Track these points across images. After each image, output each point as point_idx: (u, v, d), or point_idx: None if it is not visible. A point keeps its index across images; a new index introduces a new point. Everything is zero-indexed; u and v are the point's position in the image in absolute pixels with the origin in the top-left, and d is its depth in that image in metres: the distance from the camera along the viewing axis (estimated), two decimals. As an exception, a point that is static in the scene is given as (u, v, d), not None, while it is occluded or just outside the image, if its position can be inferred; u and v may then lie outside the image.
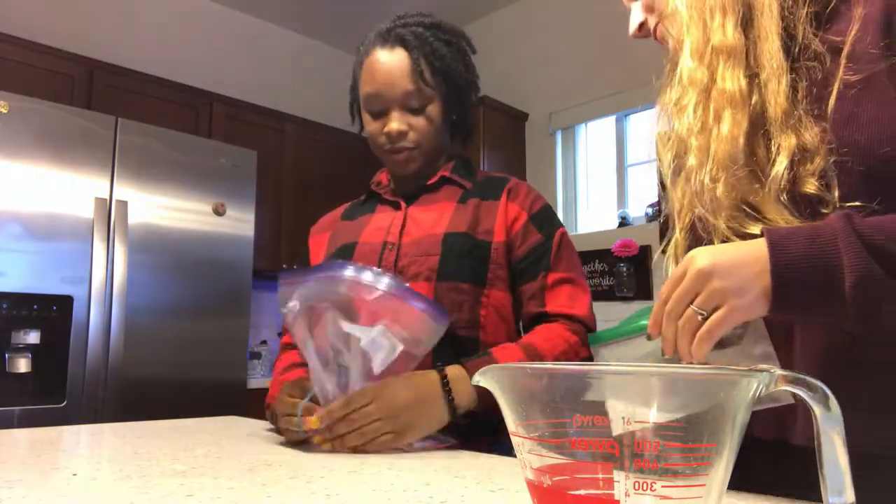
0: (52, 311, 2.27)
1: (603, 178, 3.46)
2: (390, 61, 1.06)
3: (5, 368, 2.15)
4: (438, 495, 0.58)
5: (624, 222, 3.22)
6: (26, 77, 2.69)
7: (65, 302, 2.29)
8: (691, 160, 0.68)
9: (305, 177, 3.55)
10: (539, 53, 3.62)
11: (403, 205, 1.14)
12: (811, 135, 0.63)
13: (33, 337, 2.21)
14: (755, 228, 0.64)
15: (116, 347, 2.36)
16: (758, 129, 0.67)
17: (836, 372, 0.64)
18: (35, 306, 2.24)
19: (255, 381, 2.87)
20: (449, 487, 0.61)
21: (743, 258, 0.58)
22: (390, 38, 1.08)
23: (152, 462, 0.73)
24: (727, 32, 0.68)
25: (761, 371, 0.35)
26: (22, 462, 0.72)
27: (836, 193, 0.62)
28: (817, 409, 0.35)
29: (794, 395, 0.36)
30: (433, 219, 1.09)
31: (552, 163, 3.55)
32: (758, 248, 0.58)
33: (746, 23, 0.69)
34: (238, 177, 2.80)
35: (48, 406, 2.23)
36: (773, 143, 0.65)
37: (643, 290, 3.06)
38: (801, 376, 0.36)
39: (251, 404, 2.68)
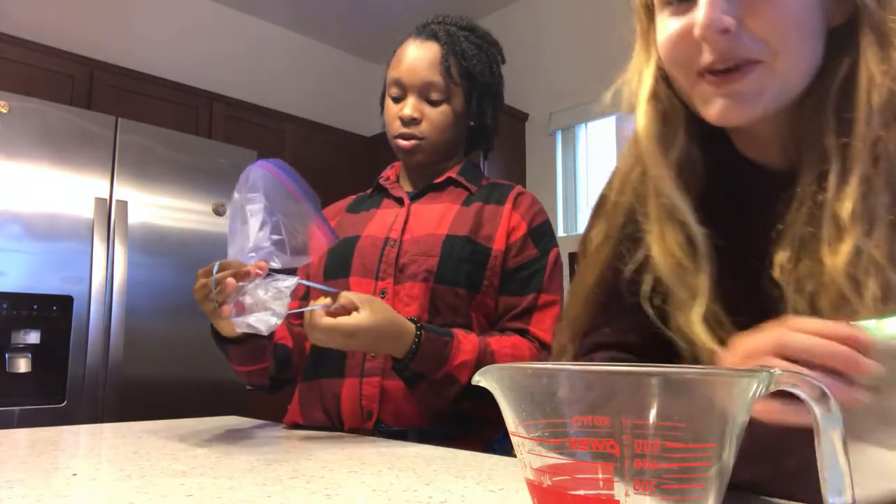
0: (52, 311, 2.27)
1: (603, 178, 3.44)
2: (419, 50, 1.11)
3: (5, 368, 2.15)
4: (438, 495, 0.58)
5: (624, 222, 3.21)
6: (26, 77, 2.69)
7: (65, 302, 2.29)
8: None
9: (305, 177, 3.54)
10: (539, 53, 3.62)
11: (407, 201, 1.14)
12: None
13: (33, 337, 2.21)
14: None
15: (116, 347, 2.36)
16: None
17: None
18: (35, 306, 2.24)
19: (255, 381, 2.86)
20: (449, 487, 0.61)
21: None
22: (425, 31, 1.13)
23: (152, 462, 0.73)
24: None
25: (761, 371, 0.35)
26: (22, 462, 0.72)
27: None
28: (817, 410, 0.35)
29: (795, 395, 0.36)
30: (436, 218, 1.09)
31: (552, 163, 3.55)
32: None
33: None
34: (238, 177, 2.79)
35: (48, 406, 2.23)
36: None
37: (643, 290, 3.05)
38: (802, 376, 0.36)
39: (251, 404, 2.68)
